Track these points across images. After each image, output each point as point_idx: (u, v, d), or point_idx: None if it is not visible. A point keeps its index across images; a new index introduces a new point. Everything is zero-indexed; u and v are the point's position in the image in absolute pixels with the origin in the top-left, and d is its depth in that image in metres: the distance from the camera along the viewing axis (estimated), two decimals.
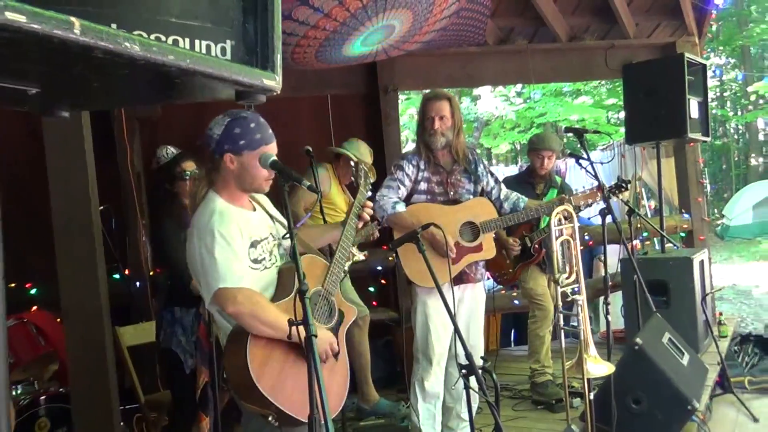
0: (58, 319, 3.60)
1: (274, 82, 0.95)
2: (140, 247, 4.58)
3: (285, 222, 2.31)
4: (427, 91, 3.42)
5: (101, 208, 3.06)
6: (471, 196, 3.38)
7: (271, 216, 2.36)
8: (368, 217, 2.59)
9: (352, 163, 2.64)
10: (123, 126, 4.54)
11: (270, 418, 1.98)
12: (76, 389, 2.85)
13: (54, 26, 0.66)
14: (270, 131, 2.17)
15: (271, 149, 2.15)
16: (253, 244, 2.16)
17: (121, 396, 3.04)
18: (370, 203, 2.59)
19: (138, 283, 4.50)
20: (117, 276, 4.27)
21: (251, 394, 1.97)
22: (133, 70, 0.83)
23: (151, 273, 4.59)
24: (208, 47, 0.92)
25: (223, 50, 0.94)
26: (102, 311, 2.82)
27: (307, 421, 1.87)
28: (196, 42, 0.91)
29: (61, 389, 3.41)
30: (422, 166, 3.28)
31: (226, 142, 2.10)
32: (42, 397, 3.32)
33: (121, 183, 4.58)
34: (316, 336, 1.66)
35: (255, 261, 2.14)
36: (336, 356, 2.25)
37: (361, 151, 4.13)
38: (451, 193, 3.33)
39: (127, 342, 3.59)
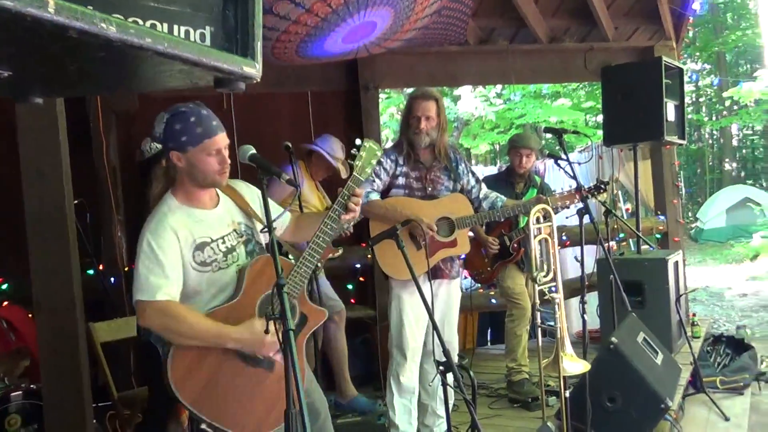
0: (30, 315, 3.54)
1: (254, 69, 0.94)
2: (115, 242, 4.51)
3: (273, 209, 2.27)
4: (412, 89, 3.41)
5: (76, 202, 2.99)
6: (448, 194, 3.39)
7: (244, 210, 2.27)
8: (356, 210, 2.30)
9: (358, 142, 2.44)
10: (99, 119, 4.47)
11: (203, 426, 1.95)
12: (48, 385, 2.79)
13: (27, 4, 0.64)
14: (215, 122, 2.07)
15: (217, 141, 2.06)
16: (200, 247, 2.09)
17: (94, 393, 2.99)
18: (360, 191, 2.32)
19: (113, 279, 4.44)
20: (91, 271, 4.20)
21: (179, 403, 1.96)
22: (110, 54, 0.81)
23: (126, 269, 4.53)
24: (187, 33, 0.90)
25: (203, 36, 0.92)
26: (75, 306, 2.76)
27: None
28: (175, 27, 0.89)
29: (32, 385, 3.34)
30: (401, 161, 3.29)
31: (169, 141, 2.05)
32: (13, 393, 3.25)
33: (96, 177, 4.51)
34: (293, 330, 1.64)
35: (202, 264, 2.09)
36: (270, 364, 2.10)
37: (333, 148, 4.11)
38: (429, 189, 3.34)
39: (101, 338, 3.52)
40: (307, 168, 4.13)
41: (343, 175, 4.19)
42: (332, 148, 4.09)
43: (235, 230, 2.19)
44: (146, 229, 2.07)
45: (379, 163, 3.24)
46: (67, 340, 2.75)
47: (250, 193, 2.34)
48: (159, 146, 2.11)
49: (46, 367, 2.77)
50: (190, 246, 2.06)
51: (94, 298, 3.89)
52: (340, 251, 4.14)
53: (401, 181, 3.29)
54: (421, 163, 3.33)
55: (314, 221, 2.33)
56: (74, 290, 2.76)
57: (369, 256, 4.92)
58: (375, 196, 3.21)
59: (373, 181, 3.22)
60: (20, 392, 3.28)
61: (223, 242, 2.15)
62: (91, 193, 4.37)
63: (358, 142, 2.44)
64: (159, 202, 2.13)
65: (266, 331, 1.81)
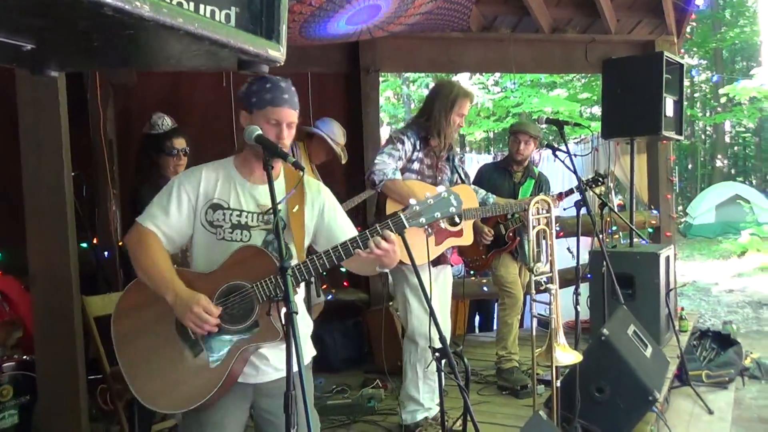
0: (24, 286, 3.52)
1: (278, 53, 0.94)
2: (110, 216, 4.49)
3: (343, 224, 2.20)
4: (458, 88, 3.36)
5: (72, 174, 2.97)
6: (449, 184, 3.48)
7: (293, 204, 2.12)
8: (376, 252, 1.99)
9: (335, 147, 2.48)
10: (97, 92, 4.43)
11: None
12: (41, 357, 2.79)
13: None
14: (287, 95, 2.05)
15: (280, 112, 2.02)
16: (213, 207, 2.06)
17: (85, 366, 2.99)
18: (393, 239, 2.02)
19: (107, 253, 4.42)
20: (85, 245, 4.18)
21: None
22: (137, 32, 0.81)
23: (120, 243, 4.51)
24: (212, 12, 0.90)
25: (228, 17, 0.92)
26: (71, 279, 2.75)
27: (131, 391, 1.97)
28: (201, 6, 0.88)
29: (25, 357, 3.34)
30: (419, 146, 3.33)
31: (241, 99, 2.09)
32: (5, 364, 3.25)
33: (92, 151, 4.48)
34: (296, 313, 1.65)
35: (210, 224, 2.06)
36: (198, 350, 1.98)
37: (334, 132, 4.10)
38: (438, 177, 3.43)
39: (94, 312, 3.50)
40: (306, 150, 4.11)
41: (343, 160, 4.19)
42: (333, 132, 4.08)
43: (263, 214, 2.09)
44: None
45: (403, 143, 3.27)
46: (61, 312, 2.74)
47: (318, 202, 2.19)
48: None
49: (40, 339, 2.77)
50: (206, 201, 2.07)
51: (87, 271, 3.87)
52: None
53: (416, 166, 3.34)
54: (433, 151, 3.40)
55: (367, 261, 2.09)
56: (70, 263, 2.75)
57: None
58: (399, 175, 3.24)
59: (398, 159, 3.26)
60: (13, 363, 3.27)
61: (239, 215, 2.07)
62: (87, 167, 4.33)
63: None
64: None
65: (268, 313, 1.80)
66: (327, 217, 2.19)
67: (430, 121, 3.34)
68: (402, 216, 2.01)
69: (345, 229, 2.20)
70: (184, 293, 1.93)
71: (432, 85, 3.53)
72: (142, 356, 1.98)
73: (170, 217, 2.04)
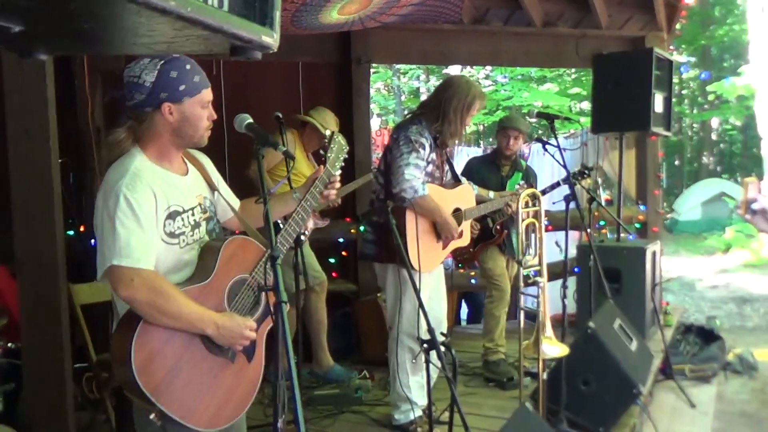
0: (10, 272, 3.49)
1: (272, 39, 0.93)
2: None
3: (228, 191, 2.18)
4: (473, 85, 3.33)
5: (60, 161, 2.95)
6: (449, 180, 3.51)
7: (209, 183, 2.08)
8: (333, 196, 2.35)
9: (327, 133, 2.46)
10: (85, 79, 4.39)
11: (152, 416, 1.75)
12: (27, 345, 2.77)
13: None
14: (203, 73, 1.91)
15: (209, 93, 1.92)
16: (172, 215, 1.86)
17: (71, 355, 2.97)
18: (338, 180, 2.32)
19: (93, 241, 4.38)
20: (71, 232, 4.15)
21: (132, 388, 1.72)
22: (129, 15, 0.80)
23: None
24: None
25: (221, 1, 0.90)
26: (58, 267, 2.73)
27: (193, 428, 1.77)
28: None
29: (9, 344, 3.31)
30: (432, 146, 3.24)
31: (162, 90, 1.81)
32: None
33: (80, 138, 4.44)
34: (286, 303, 1.64)
35: (171, 235, 1.86)
36: (250, 354, 1.98)
37: (327, 120, 4.10)
38: (444, 177, 3.42)
39: (81, 300, 3.49)
40: (300, 138, 4.11)
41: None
42: (326, 121, 4.08)
43: (200, 204, 1.99)
44: (117, 183, 1.76)
45: (424, 147, 3.15)
46: (48, 300, 2.73)
47: (208, 164, 2.14)
48: (142, 97, 1.83)
49: (27, 327, 2.75)
50: (163, 212, 1.84)
51: (74, 259, 3.84)
52: (328, 221, 4.15)
53: (429, 168, 3.24)
54: (439, 149, 3.35)
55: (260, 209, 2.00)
56: (57, 250, 2.73)
57: (353, 230, 4.93)
58: (428, 190, 3.14)
59: (424, 168, 3.15)
60: None
61: (192, 215, 1.95)
62: (75, 154, 4.30)
63: (327, 132, 2.44)
64: (122, 156, 1.86)
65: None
66: (222, 187, 2.16)
67: (445, 124, 3.21)
68: (327, 169, 2.30)
69: (231, 195, 2.23)
70: (225, 321, 1.83)
71: (443, 80, 3.44)
72: (189, 392, 1.80)
73: (152, 245, 1.79)
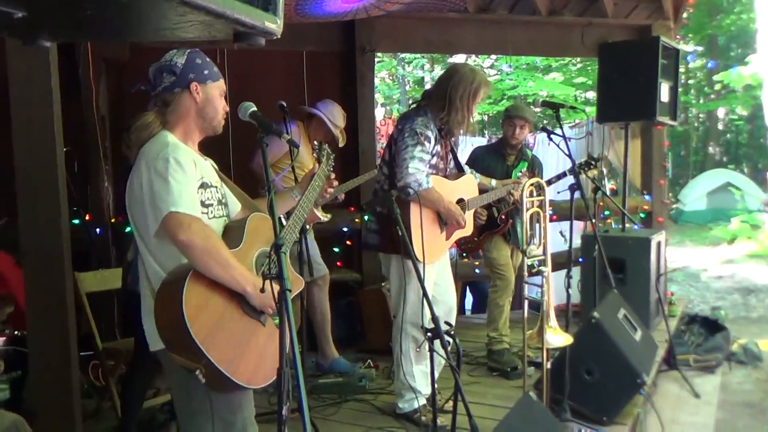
0: (16, 261, 3.51)
1: (275, 25, 0.92)
2: (102, 192, 4.47)
3: (227, 186, 2.23)
4: (478, 72, 3.30)
5: (64, 150, 2.95)
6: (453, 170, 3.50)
7: (219, 176, 2.21)
8: (329, 194, 2.56)
9: (315, 144, 2.53)
10: (89, 67, 4.38)
11: (197, 372, 1.79)
12: (33, 333, 2.78)
13: None
14: None
15: (224, 85, 2.12)
16: (203, 185, 2.02)
17: (77, 343, 2.99)
18: (334, 179, 2.53)
19: (99, 230, 4.40)
20: (77, 221, 4.16)
21: (181, 340, 1.79)
22: (132, 1, 0.80)
23: (113, 220, 4.50)
24: None
25: None
26: (63, 255, 2.73)
27: (237, 382, 1.83)
28: None
29: (16, 332, 3.34)
30: (437, 139, 3.23)
31: (191, 72, 2.02)
32: None
33: (84, 126, 4.44)
34: (290, 291, 1.65)
35: (202, 204, 1.99)
36: (264, 318, 2.04)
37: (334, 114, 4.09)
38: (447, 168, 3.41)
39: (87, 288, 3.51)
40: (306, 130, 4.10)
41: (341, 143, 4.17)
42: (333, 115, 4.07)
43: (216, 186, 2.13)
44: (162, 150, 1.92)
45: (429, 140, 3.15)
46: (54, 288, 2.73)
47: (214, 165, 2.25)
48: (172, 78, 2.01)
49: (32, 315, 2.75)
50: (197, 180, 1.99)
51: (79, 248, 3.86)
52: (329, 217, 4.14)
53: (433, 160, 3.24)
54: (447, 142, 3.35)
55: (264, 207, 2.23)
56: (62, 239, 2.73)
57: (357, 220, 4.94)
58: (432, 182, 3.14)
59: (428, 161, 3.15)
60: (4, 338, 3.27)
61: (217, 191, 2.11)
62: (79, 143, 4.30)
63: (315, 143, 2.60)
64: (149, 135, 2.00)
65: (262, 290, 1.80)
66: (228, 184, 2.27)
67: (452, 113, 3.18)
68: (318, 177, 2.40)
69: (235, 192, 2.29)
70: (260, 283, 1.83)
71: (445, 69, 3.41)
72: (231, 346, 1.87)
73: (197, 200, 1.95)
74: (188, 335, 1.77)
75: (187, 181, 1.91)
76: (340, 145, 4.19)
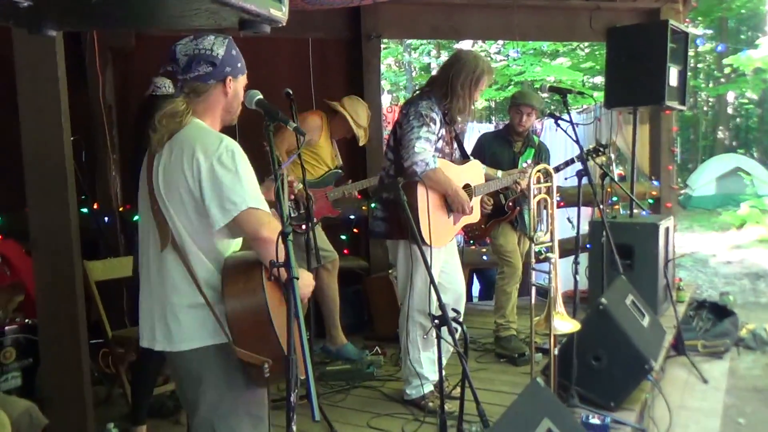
0: (25, 249, 3.53)
1: (280, 12, 0.92)
2: (110, 181, 4.48)
3: None
4: (481, 59, 3.29)
5: (72, 139, 2.96)
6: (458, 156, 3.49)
7: None
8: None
9: (354, 128, 2.49)
10: (96, 57, 4.38)
11: (264, 366, 1.78)
12: (43, 321, 2.80)
13: None
14: None
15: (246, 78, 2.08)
16: None
17: (87, 331, 3.01)
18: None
19: (107, 219, 4.42)
20: (85, 210, 4.18)
21: (261, 333, 1.79)
22: None
23: (121, 209, 4.52)
24: None
25: None
26: (72, 244, 2.75)
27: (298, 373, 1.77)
28: None
29: (27, 320, 3.37)
30: (442, 123, 3.23)
31: (228, 64, 1.95)
32: (7, 327, 3.28)
33: (91, 115, 4.45)
34: (297, 278, 1.66)
35: None
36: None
37: (358, 113, 4.07)
38: (453, 154, 3.41)
39: (96, 277, 3.54)
40: (328, 124, 4.08)
41: (362, 142, 4.16)
42: (357, 114, 4.05)
43: None
44: (222, 141, 1.88)
45: (434, 122, 3.15)
46: (63, 277, 2.75)
47: None
48: (209, 69, 1.93)
49: (43, 304, 2.78)
50: None
51: (88, 237, 3.88)
52: (340, 211, 4.16)
53: (439, 144, 3.24)
54: (448, 125, 3.34)
55: None
56: (71, 227, 2.75)
57: (364, 207, 4.94)
58: (438, 163, 3.14)
59: (435, 143, 3.15)
60: (15, 326, 3.30)
61: None
62: (86, 132, 4.32)
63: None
64: (180, 123, 1.93)
65: (270, 278, 1.80)
66: None
67: (454, 99, 3.20)
68: None
69: None
70: (302, 272, 1.88)
71: (449, 55, 3.40)
72: (282, 334, 1.82)
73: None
74: (270, 328, 1.79)
75: (253, 175, 1.90)
76: (361, 143, 4.18)
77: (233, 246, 1.99)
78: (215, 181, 1.83)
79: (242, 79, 2.03)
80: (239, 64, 2.00)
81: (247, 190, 1.84)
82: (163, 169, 1.91)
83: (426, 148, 3.07)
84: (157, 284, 1.96)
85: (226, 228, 1.87)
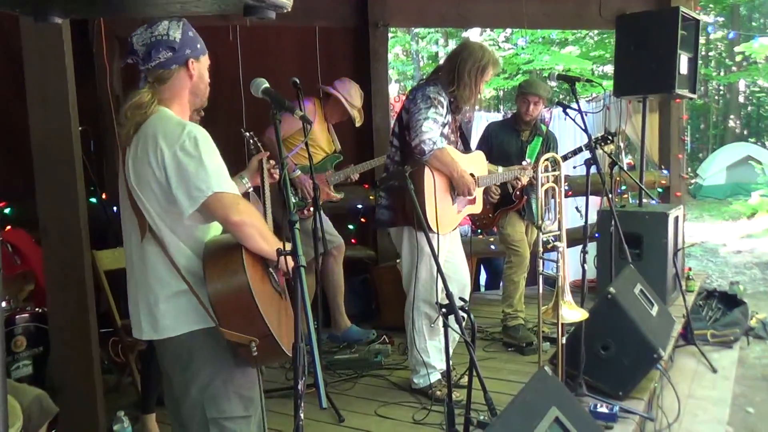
0: (34, 239, 3.55)
1: None
2: (118, 171, 4.48)
3: None
4: (487, 50, 3.28)
5: (80, 128, 2.96)
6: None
7: None
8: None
9: (350, 110, 2.48)
10: (103, 46, 4.38)
11: (253, 346, 1.80)
12: (53, 309, 2.82)
13: None
14: None
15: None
16: None
17: (97, 320, 3.03)
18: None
19: (115, 208, 4.43)
20: (94, 200, 4.19)
21: (245, 313, 1.80)
22: None
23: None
24: None
25: None
26: (81, 233, 2.76)
27: (285, 350, 1.84)
28: None
29: (37, 309, 3.39)
30: (448, 109, 3.24)
31: (188, 46, 1.91)
32: (18, 316, 3.30)
33: (99, 105, 4.46)
34: (305, 267, 1.66)
35: None
36: (283, 291, 2.09)
37: (351, 94, 4.07)
38: (457, 142, 3.41)
39: (105, 266, 3.56)
40: (322, 108, 4.08)
41: (358, 123, 4.16)
42: (350, 95, 4.05)
43: None
44: (183, 128, 1.84)
45: (442, 105, 3.16)
46: (73, 266, 2.76)
47: None
48: (169, 54, 1.89)
49: (52, 292, 2.79)
50: None
51: (96, 226, 3.90)
52: (342, 195, 4.15)
53: (445, 130, 3.24)
54: (454, 114, 3.34)
55: None
56: (80, 217, 2.75)
57: (371, 197, 4.93)
58: (445, 142, 3.16)
59: (442, 124, 3.16)
60: (26, 315, 3.33)
61: None
62: (94, 122, 4.33)
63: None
64: (147, 114, 1.89)
65: (277, 266, 1.81)
66: None
67: (460, 88, 3.21)
68: None
69: None
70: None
71: (456, 45, 3.40)
72: (271, 315, 1.87)
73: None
74: (254, 306, 1.79)
75: (219, 159, 1.87)
76: (357, 124, 4.18)
77: (212, 230, 1.97)
78: (180, 168, 1.82)
79: (204, 60, 1.99)
80: (198, 45, 1.96)
81: (211, 175, 1.81)
82: (133, 161, 1.90)
83: (433, 128, 3.09)
84: (140, 275, 1.95)
85: (197, 214, 1.85)
